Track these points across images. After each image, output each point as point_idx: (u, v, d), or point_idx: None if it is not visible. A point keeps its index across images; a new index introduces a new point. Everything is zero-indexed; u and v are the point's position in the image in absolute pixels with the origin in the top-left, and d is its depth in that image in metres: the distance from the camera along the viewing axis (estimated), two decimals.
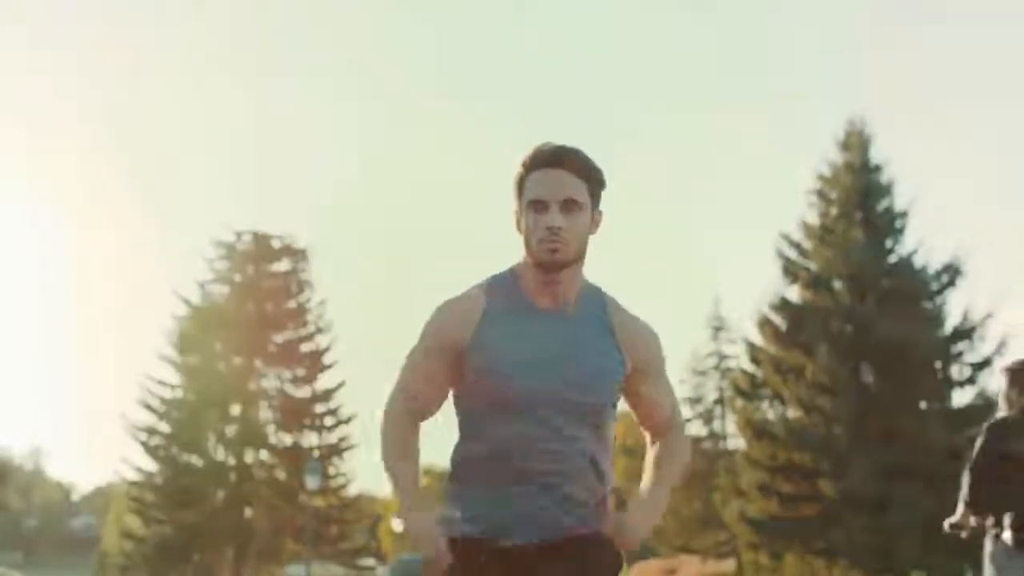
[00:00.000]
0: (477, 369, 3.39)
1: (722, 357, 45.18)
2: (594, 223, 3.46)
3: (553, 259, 3.36)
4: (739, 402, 34.33)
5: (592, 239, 3.47)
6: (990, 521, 6.57)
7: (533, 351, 3.38)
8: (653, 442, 3.66)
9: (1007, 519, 6.46)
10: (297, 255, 41.91)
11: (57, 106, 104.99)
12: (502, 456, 3.39)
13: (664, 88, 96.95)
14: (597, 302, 3.50)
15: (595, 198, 3.44)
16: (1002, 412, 6.69)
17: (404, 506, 3.46)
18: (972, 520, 6.76)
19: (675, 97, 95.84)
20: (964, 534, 6.77)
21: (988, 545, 6.54)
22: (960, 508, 6.71)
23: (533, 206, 3.38)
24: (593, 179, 3.42)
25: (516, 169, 3.48)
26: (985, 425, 6.59)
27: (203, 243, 44.03)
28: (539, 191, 3.37)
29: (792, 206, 58.53)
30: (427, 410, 3.51)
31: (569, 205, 3.36)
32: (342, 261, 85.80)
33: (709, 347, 45.45)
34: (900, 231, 33.21)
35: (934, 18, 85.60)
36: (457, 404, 3.52)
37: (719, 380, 44.60)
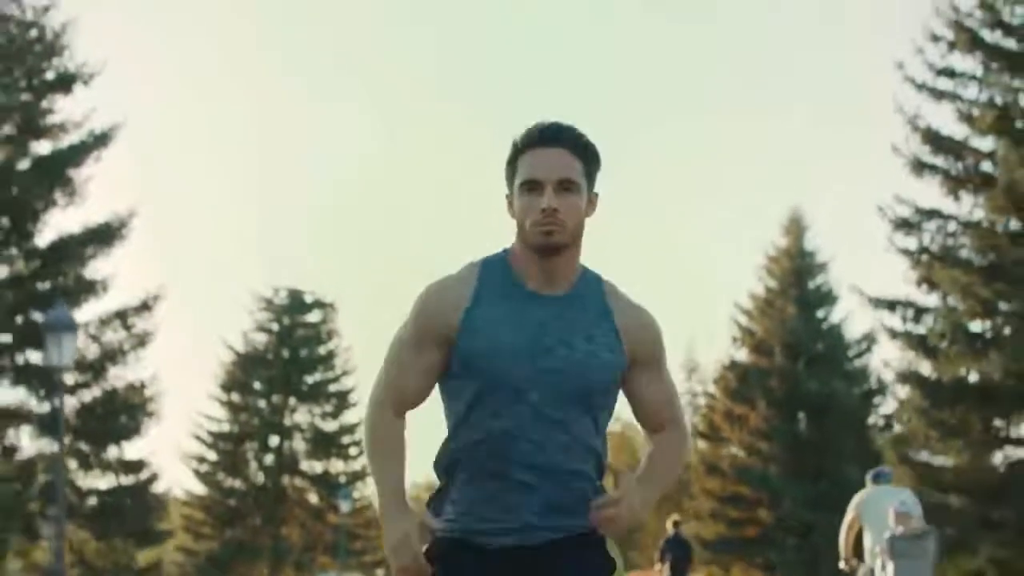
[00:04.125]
0: (465, 354, 3.36)
1: (694, 395, 55.70)
2: (590, 205, 3.43)
3: (548, 242, 3.33)
4: (699, 443, 44.94)
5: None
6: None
7: (525, 335, 3.34)
8: (650, 437, 3.61)
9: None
10: (326, 308, 50.49)
11: None
12: (491, 447, 3.36)
13: (665, 91, 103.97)
14: (595, 287, 3.45)
15: (591, 178, 3.42)
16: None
17: (384, 509, 3.41)
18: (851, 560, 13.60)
19: (677, 101, 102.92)
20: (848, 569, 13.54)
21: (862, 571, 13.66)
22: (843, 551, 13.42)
23: (526, 187, 3.35)
24: (589, 158, 3.41)
25: (507, 149, 3.43)
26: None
27: (246, 298, 53.30)
28: (533, 171, 3.35)
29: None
30: (414, 401, 3.48)
31: (565, 186, 3.33)
32: (365, 312, 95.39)
33: (683, 387, 55.98)
34: (832, 303, 43.69)
35: None
36: (444, 393, 3.49)
37: (691, 415, 55.05)
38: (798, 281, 43.54)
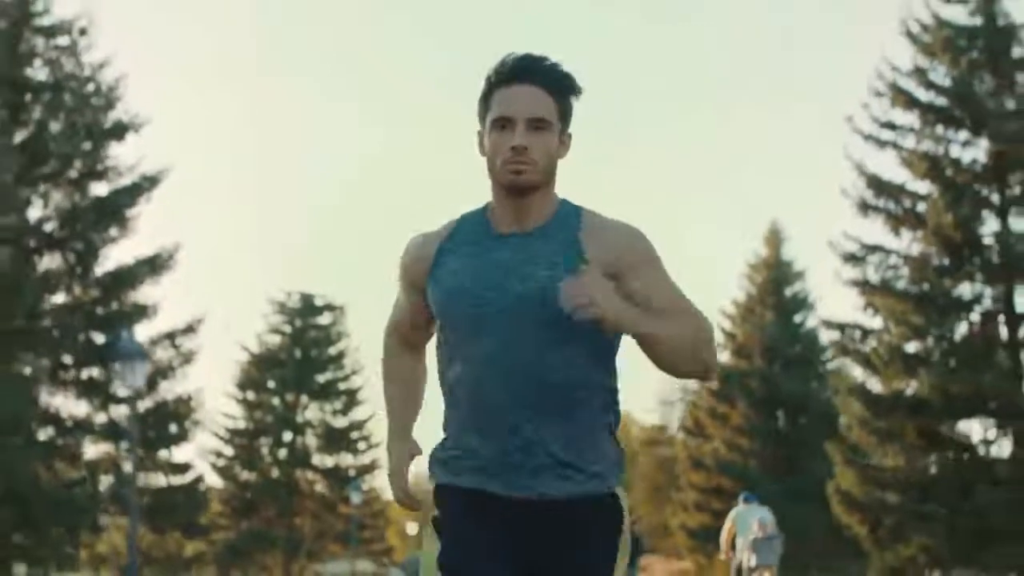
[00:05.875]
0: (431, 301, 3.50)
1: (686, 391, 60.49)
2: (563, 145, 3.44)
3: (517, 181, 3.36)
4: (685, 439, 49.90)
5: None
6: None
7: (482, 277, 3.40)
8: None
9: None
10: (336, 310, 53.78)
11: None
12: (467, 388, 3.42)
13: (667, 90, 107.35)
14: (571, 219, 3.44)
15: (566, 116, 3.43)
16: None
17: (388, 436, 3.65)
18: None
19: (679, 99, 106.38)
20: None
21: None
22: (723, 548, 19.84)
23: (497, 124, 3.37)
24: (564, 94, 3.41)
25: (480, 83, 3.44)
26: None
27: (261, 302, 57.60)
28: (503, 108, 3.36)
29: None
30: (412, 336, 3.71)
31: (536, 124, 3.35)
32: (373, 314, 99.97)
33: (672, 385, 61.02)
34: (808, 309, 48.53)
35: None
36: (435, 338, 3.61)
37: (682, 411, 59.91)
38: (776, 289, 48.40)
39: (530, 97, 3.37)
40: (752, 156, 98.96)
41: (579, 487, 3.39)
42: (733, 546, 19.03)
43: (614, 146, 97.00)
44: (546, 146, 3.38)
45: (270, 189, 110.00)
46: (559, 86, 3.42)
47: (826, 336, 36.19)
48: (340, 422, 52.91)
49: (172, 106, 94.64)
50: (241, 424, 51.90)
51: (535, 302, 3.35)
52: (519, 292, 3.37)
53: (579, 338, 3.37)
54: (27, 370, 30.06)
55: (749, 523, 18.72)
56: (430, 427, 3.63)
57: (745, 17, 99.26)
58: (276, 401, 52.34)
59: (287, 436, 52.05)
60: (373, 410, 53.72)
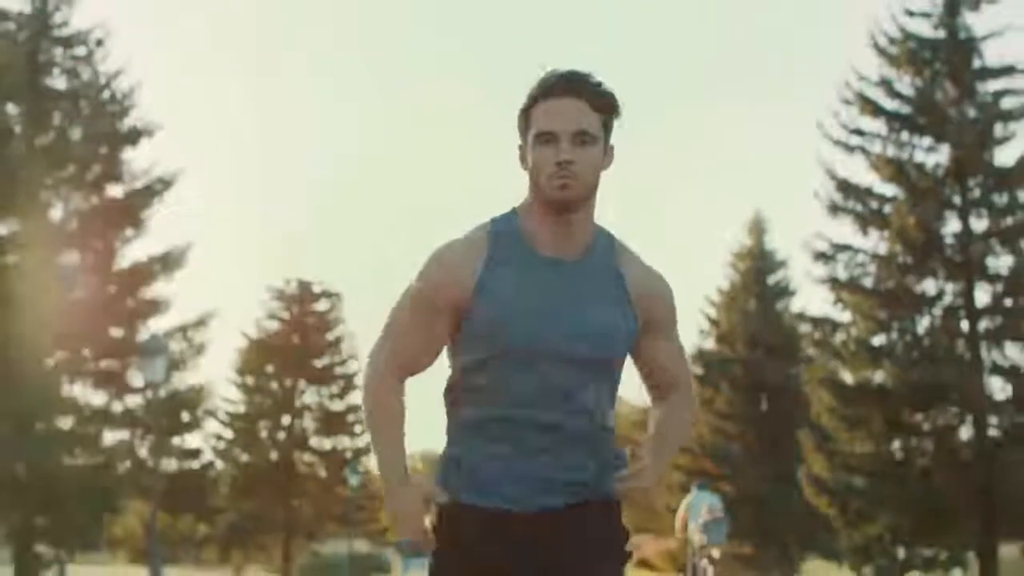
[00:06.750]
0: (481, 319, 3.41)
1: None
2: (607, 157, 3.46)
3: (564, 196, 3.36)
4: None
5: None
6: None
7: (537, 301, 3.39)
8: (656, 402, 3.70)
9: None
10: (333, 297, 55.16)
11: None
12: (504, 413, 3.42)
13: (666, 81, 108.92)
14: (608, 249, 3.51)
15: (608, 129, 3.47)
16: None
17: (385, 480, 3.50)
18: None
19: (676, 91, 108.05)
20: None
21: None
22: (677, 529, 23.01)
23: (541, 139, 3.38)
24: (607, 109, 3.45)
25: (523, 98, 3.45)
26: None
27: (259, 288, 59.35)
28: (548, 122, 3.38)
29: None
30: (419, 368, 3.55)
31: (581, 138, 3.37)
32: (369, 300, 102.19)
33: None
34: (789, 296, 51.04)
35: None
36: (453, 361, 3.55)
37: None
38: (759, 277, 50.98)
39: (575, 111, 3.41)
40: (737, 147, 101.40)
41: (591, 499, 3.55)
42: (687, 529, 21.65)
43: (614, 139, 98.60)
44: (592, 160, 3.42)
45: (270, 182, 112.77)
46: (602, 101, 3.46)
47: (801, 328, 38.81)
48: (337, 406, 54.04)
49: (173, 105, 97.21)
50: (241, 408, 53.23)
51: (589, 342, 3.44)
52: (577, 326, 3.44)
53: (608, 379, 3.54)
54: (50, 363, 32.47)
55: (699, 508, 21.03)
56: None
57: (730, 13, 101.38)
58: (275, 385, 53.53)
59: (285, 420, 53.29)
60: None
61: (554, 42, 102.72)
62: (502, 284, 3.44)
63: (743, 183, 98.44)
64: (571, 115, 3.39)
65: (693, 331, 51.34)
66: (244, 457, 53.00)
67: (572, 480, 3.49)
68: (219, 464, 51.64)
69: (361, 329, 57.39)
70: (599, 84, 3.45)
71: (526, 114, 3.47)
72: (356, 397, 53.85)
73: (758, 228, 51.55)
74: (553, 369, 3.43)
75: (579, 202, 3.42)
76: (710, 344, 51.26)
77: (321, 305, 55.67)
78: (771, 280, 51.11)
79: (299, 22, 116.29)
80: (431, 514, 3.51)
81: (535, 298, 3.43)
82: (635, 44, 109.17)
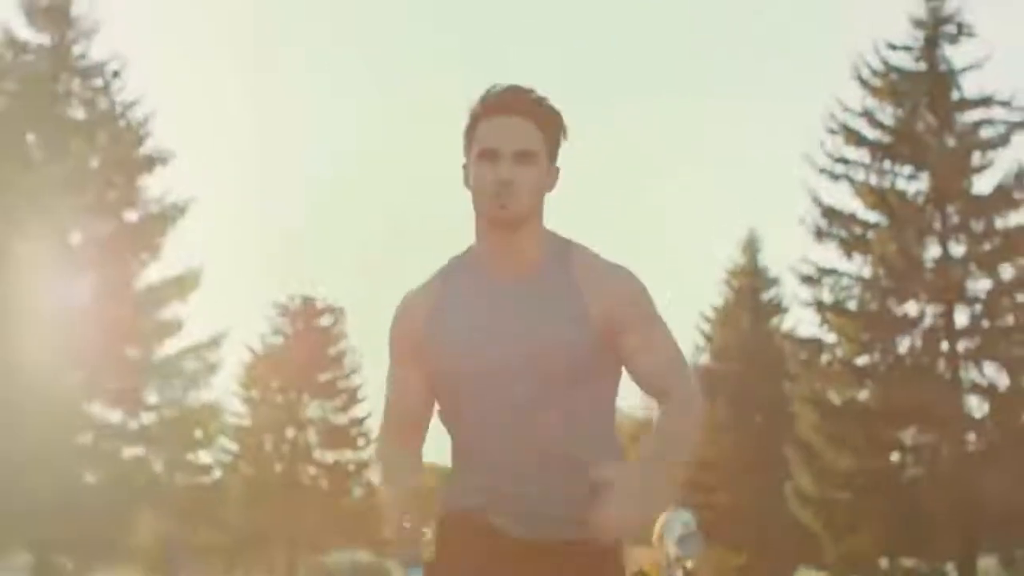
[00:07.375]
0: (432, 357, 3.43)
1: None
2: (551, 178, 3.42)
3: (502, 216, 3.34)
4: None
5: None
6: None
7: (485, 324, 3.39)
8: (658, 407, 3.56)
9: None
10: (336, 312, 56.24)
11: None
12: (472, 444, 3.45)
13: (660, 78, 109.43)
14: (561, 260, 3.44)
15: (553, 149, 3.42)
16: None
17: (390, 506, 3.47)
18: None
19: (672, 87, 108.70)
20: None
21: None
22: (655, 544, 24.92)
23: (482, 157, 3.34)
24: (552, 127, 3.39)
25: (465, 115, 3.42)
26: None
27: (263, 304, 60.12)
28: (489, 140, 3.34)
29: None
30: (417, 418, 3.57)
31: (522, 157, 3.33)
32: (371, 317, 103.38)
33: None
34: (782, 314, 52.75)
35: None
36: (437, 399, 3.56)
37: None
38: (753, 294, 52.77)
39: (517, 129, 3.35)
40: (734, 166, 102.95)
41: (583, 534, 3.36)
42: (663, 542, 23.34)
43: (622, 130, 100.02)
44: (532, 180, 3.37)
45: (271, 193, 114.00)
46: (548, 119, 3.41)
47: (788, 348, 40.53)
48: (340, 419, 54.86)
49: (184, 132, 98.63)
50: (245, 421, 54.27)
51: (539, 358, 3.38)
52: (524, 346, 3.38)
53: (578, 398, 3.44)
54: (70, 382, 34.12)
55: (674, 524, 22.96)
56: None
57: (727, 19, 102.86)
58: (279, 399, 54.42)
59: (289, 433, 54.12)
60: (371, 408, 55.84)
61: (554, 42, 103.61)
62: (449, 316, 3.46)
63: (739, 202, 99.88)
64: (514, 133, 3.36)
65: (690, 347, 53.19)
66: (248, 470, 54.03)
67: (549, 516, 3.47)
68: (225, 476, 52.70)
69: (363, 343, 58.24)
70: (544, 101, 3.43)
71: (470, 131, 3.44)
72: (359, 410, 55.41)
73: (752, 247, 53.28)
74: (510, 391, 3.41)
75: (519, 221, 3.40)
76: (706, 360, 52.97)
77: (324, 320, 56.65)
78: (764, 297, 52.81)
79: (316, 54, 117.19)
80: (431, 526, 3.50)
81: (482, 322, 3.44)
82: (635, 44, 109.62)
